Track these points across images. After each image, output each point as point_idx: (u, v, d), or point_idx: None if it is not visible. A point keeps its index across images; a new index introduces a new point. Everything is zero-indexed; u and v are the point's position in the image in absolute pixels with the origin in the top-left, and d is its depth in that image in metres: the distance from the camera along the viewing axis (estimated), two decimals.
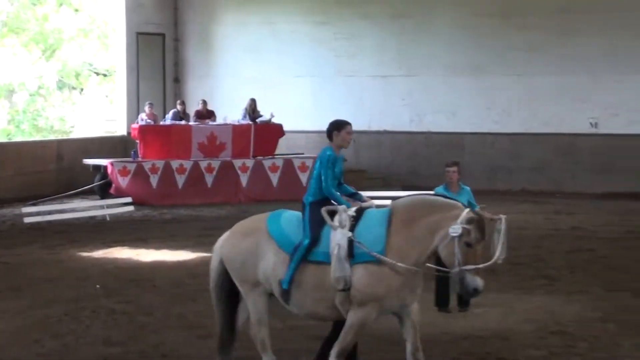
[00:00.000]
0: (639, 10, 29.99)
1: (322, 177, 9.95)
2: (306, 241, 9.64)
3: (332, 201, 9.91)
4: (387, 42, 33.30)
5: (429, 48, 32.72)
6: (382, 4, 33.24)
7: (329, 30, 33.84)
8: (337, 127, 10.25)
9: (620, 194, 29.18)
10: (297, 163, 29.29)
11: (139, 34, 34.22)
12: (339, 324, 9.88)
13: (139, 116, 29.86)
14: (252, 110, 30.01)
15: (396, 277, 9.45)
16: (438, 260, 9.66)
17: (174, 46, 35.77)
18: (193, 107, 31.27)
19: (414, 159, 32.33)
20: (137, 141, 28.83)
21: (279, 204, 26.73)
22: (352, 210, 9.78)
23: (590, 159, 30.65)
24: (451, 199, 10.05)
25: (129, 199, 26.19)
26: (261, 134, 29.63)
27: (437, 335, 11.92)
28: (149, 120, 29.10)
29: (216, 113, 30.44)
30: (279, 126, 30.17)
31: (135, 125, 29.20)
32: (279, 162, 29.24)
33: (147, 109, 29.47)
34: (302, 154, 30.79)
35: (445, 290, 12.99)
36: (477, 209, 9.85)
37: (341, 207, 9.76)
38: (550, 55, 31.09)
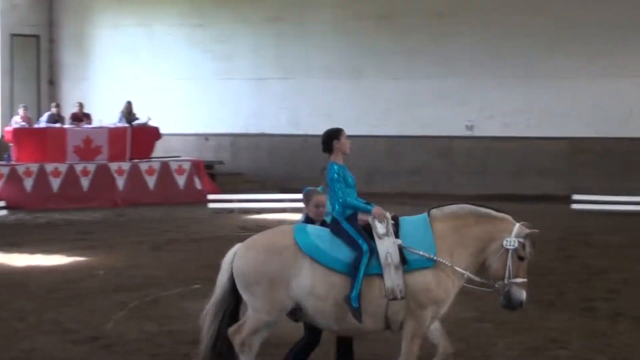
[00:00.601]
0: (515, 13, 30.53)
1: (337, 193, 9.53)
2: (366, 254, 9.20)
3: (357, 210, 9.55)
4: (264, 45, 33.26)
5: (306, 51, 32.78)
6: (259, 7, 33.17)
7: (206, 33, 33.65)
8: (335, 135, 9.88)
9: (495, 196, 29.62)
10: (174, 166, 29.05)
11: (13, 35, 33.53)
12: (312, 330, 9.78)
13: (13, 119, 29.24)
14: (129, 113, 29.68)
15: (451, 282, 9.38)
16: None
17: (49, 48, 35.14)
18: (68, 110, 30.72)
19: (291, 162, 32.34)
20: (11, 144, 28.21)
21: (156, 207, 26.74)
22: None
23: (467, 161, 31.12)
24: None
25: (1, 203, 25.63)
26: (138, 137, 29.30)
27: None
28: (23, 123, 28.48)
29: (92, 116, 29.97)
30: (156, 129, 29.87)
31: (9, 129, 28.58)
32: (156, 166, 28.94)
33: (21, 111, 28.85)
34: (180, 156, 30.60)
35: None
36: (523, 224, 9.57)
37: (387, 215, 9.53)
38: (428, 59, 31.46)
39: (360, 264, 9.13)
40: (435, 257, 9.27)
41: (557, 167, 30.29)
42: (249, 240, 9.71)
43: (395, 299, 9.20)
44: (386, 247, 9.27)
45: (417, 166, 31.52)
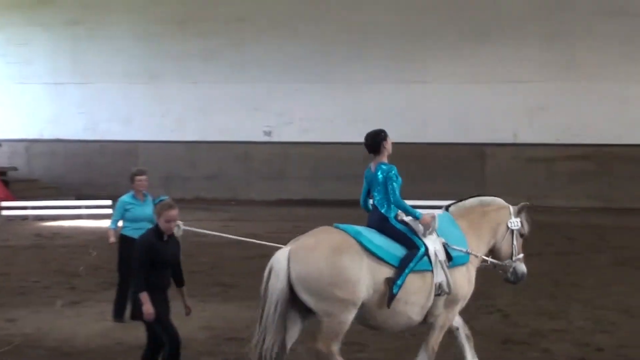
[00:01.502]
0: (312, 21, 30.92)
1: (393, 192, 9.79)
2: (422, 249, 9.55)
3: (405, 211, 9.81)
4: (61, 49, 32.55)
5: (104, 55, 32.28)
6: (55, 10, 32.43)
7: (0, 36, 32.63)
8: (384, 137, 10.16)
9: (293, 201, 29.96)
10: None
11: None
12: (154, 334, 9.58)
13: None
14: None
15: (474, 276, 10.01)
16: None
17: None
18: None
19: (88, 168, 31.75)
20: None
21: None
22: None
23: (265, 166, 31.24)
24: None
25: None
26: None
27: (111, 346, 11.67)
28: None
29: None
30: None
31: None
32: None
33: None
34: None
35: (122, 301, 12.84)
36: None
37: (431, 213, 9.93)
38: (225, 64, 31.48)
39: (413, 259, 9.49)
40: (472, 253, 9.92)
41: (355, 172, 30.69)
42: (302, 244, 9.53)
43: (440, 294, 9.66)
44: (433, 244, 9.70)
45: (215, 171, 31.47)
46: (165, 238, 9.58)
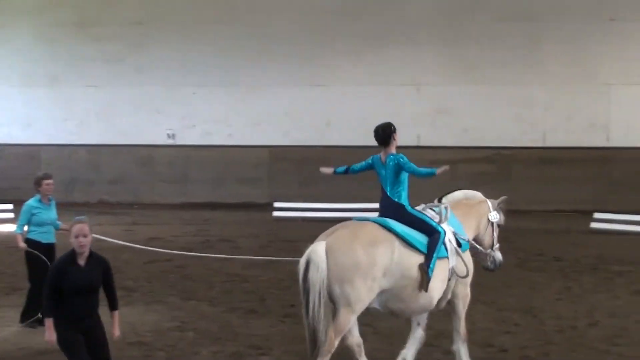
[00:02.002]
0: (213, 23, 30.84)
1: (405, 165, 10.62)
2: (443, 234, 10.30)
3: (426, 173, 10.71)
4: None
5: (4, 57, 31.75)
6: None
7: None
8: (394, 130, 10.88)
9: (197, 204, 29.84)
10: None
11: None
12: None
13: None
14: None
15: None
16: None
17: None
18: None
19: None
20: None
21: None
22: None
23: (168, 169, 31.05)
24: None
25: None
26: None
27: (13, 351, 11.47)
28: None
29: None
30: None
31: None
32: None
33: None
34: None
35: (31, 305, 12.69)
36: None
37: (442, 205, 10.83)
38: (127, 67, 31.20)
39: (439, 243, 10.21)
40: (472, 242, 10.89)
41: (257, 175, 30.78)
42: (337, 236, 10.05)
43: (451, 278, 10.46)
44: (447, 231, 10.47)
45: (118, 175, 31.17)
46: (82, 262, 9.13)
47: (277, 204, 27.63)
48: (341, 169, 11.65)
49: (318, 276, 9.80)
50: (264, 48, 30.82)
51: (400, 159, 10.66)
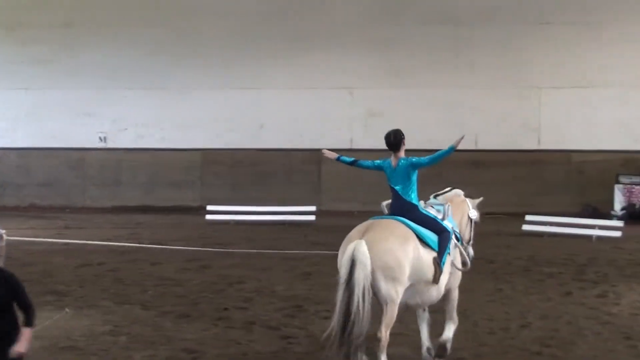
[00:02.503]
0: (143, 27, 30.71)
1: (418, 160, 11.42)
2: (451, 233, 11.20)
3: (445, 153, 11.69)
4: None
5: None
6: None
7: None
8: (403, 135, 11.55)
9: (129, 207, 29.68)
10: None
11: None
12: None
13: None
14: None
15: None
16: None
17: None
18: None
19: None
20: None
21: None
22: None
23: (100, 172, 30.82)
24: None
25: None
26: None
27: None
28: None
29: None
30: None
31: None
32: None
33: None
34: None
35: None
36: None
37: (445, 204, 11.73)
38: (57, 69, 30.93)
39: (449, 241, 11.07)
40: (463, 237, 11.81)
41: (189, 178, 30.67)
42: (376, 236, 10.44)
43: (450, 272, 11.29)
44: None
45: (48, 178, 30.85)
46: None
47: (209, 207, 27.56)
48: (347, 159, 12.09)
49: (364, 274, 10.25)
50: (195, 51, 30.74)
51: (413, 160, 11.41)
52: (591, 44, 30.07)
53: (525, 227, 24.57)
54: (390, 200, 11.50)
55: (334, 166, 30.34)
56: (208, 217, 26.92)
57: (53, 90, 31.06)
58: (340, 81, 30.54)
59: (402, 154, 11.50)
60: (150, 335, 12.45)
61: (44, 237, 21.95)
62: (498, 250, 21.28)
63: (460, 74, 30.27)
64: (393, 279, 10.40)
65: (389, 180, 11.50)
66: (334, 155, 12.13)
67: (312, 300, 15.12)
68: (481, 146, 29.84)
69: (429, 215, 11.26)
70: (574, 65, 30.05)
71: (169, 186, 30.62)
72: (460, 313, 13.91)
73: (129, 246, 21.57)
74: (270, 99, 30.64)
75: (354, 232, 10.73)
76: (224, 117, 30.71)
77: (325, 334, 10.36)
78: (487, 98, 30.23)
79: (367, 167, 11.96)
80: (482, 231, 24.81)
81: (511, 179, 29.32)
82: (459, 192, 12.34)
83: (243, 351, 11.73)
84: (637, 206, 28.18)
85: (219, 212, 27.12)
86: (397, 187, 11.43)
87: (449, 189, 12.38)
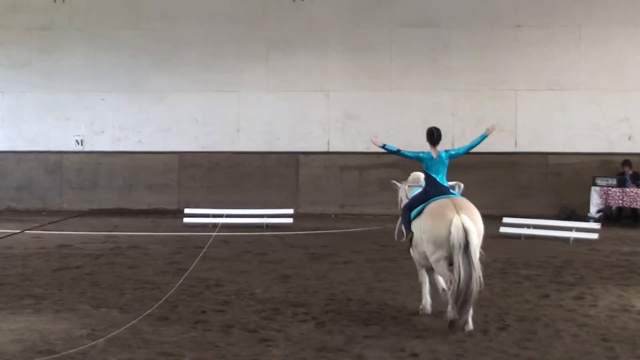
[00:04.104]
0: (120, 29, 30.66)
1: (465, 148, 14.60)
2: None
3: (479, 140, 14.84)
4: None
5: None
6: None
7: None
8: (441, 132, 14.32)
9: (105, 210, 29.66)
10: None
11: None
12: None
13: None
14: None
15: None
16: None
17: None
18: None
19: None
20: None
21: None
22: None
23: (77, 176, 30.76)
24: None
25: None
26: None
27: None
28: None
29: None
30: None
31: None
32: None
33: None
34: None
35: None
36: None
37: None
38: (33, 72, 30.86)
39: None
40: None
41: (166, 181, 30.65)
42: (465, 211, 13.19)
43: None
44: None
45: (25, 182, 30.78)
46: None
47: (187, 210, 27.55)
48: (392, 147, 14.53)
49: (477, 241, 12.97)
50: (171, 54, 30.74)
51: (452, 151, 14.18)
52: (567, 47, 30.22)
53: (503, 229, 24.64)
54: (415, 185, 14.79)
55: (311, 169, 30.52)
56: (185, 219, 26.91)
57: (30, 94, 30.97)
58: (318, 83, 30.58)
59: (440, 147, 13.99)
60: (127, 339, 12.42)
61: (20, 241, 21.91)
62: None
63: (437, 77, 30.37)
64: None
65: (429, 169, 13.88)
66: (379, 142, 14.76)
67: (290, 302, 15.13)
68: None
69: (458, 195, 13.94)
70: (550, 68, 30.19)
71: (146, 189, 30.60)
72: (438, 315, 13.99)
73: (107, 250, 21.54)
74: (247, 102, 30.64)
75: (443, 209, 13.23)
76: (200, 119, 30.70)
77: (452, 296, 12.85)
78: (464, 100, 30.33)
79: (409, 157, 14.15)
80: None
81: (488, 182, 29.41)
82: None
83: (221, 354, 11.72)
84: (613, 208, 28.35)
85: (196, 215, 27.12)
86: (437, 176, 13.87)
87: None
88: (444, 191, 13.66)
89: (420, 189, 14.24)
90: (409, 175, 15.47)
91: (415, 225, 13.78)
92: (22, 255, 20.27)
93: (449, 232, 12.84)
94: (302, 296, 15.74)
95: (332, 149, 30.23)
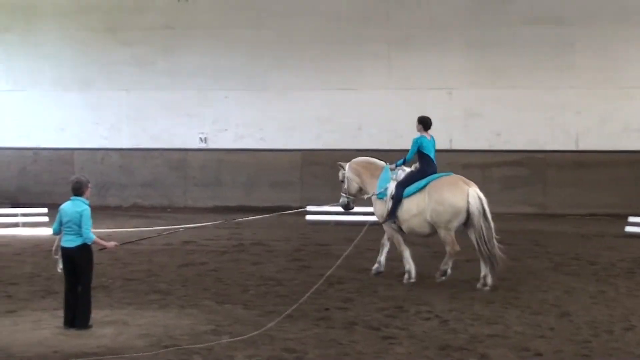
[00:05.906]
0: (244, 27, 30.95)
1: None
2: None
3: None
4: None
5: (35, 62, 31.99)
6: None
7: None
8: None
9: (229, 207, 29.92)
10: None
11: None
12: None
13: None
14: None
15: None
16: None
17: None
18: None
19: (22, 176, 31.47)
20: None
21: None
22: None
23: (200, 173, 31.16)
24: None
25: None
26: None
27: (48, 355, 11.54)
28: None
29: None
30: None
31: None
32: None
33: None
34: None
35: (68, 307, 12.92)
36: None
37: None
38: (158, 71, 31.37)
39: None
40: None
41: (289, 178, 30.83)
42: (474, 185, 16.21)
43: None
44: None
45: (150, 179, 31.33)
46: None
47: (309, 208, 27.65)
48: (400, 161, 17.14)
49: (488, 208, 15.89)
50: (295, 52, 30.91)
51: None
52: None
53: (628, 228, 24.16)
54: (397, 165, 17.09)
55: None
56: (308, 217, 27.00)
57: (154, 92, 31.51)
58: (440, 81, 30.40)
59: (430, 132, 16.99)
60: (252, 335, 12.55)
61: (148, 237, 22.30)
62: (600, 252, 20.99)
63: (561, 75, 29.88)
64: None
65: (427, 150, 16.76)
66: (393, 166, 17.31)
67: (413, 301, 15.10)
68: (582, 147, 29.44)
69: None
70: None
71: (269, 187, 30.82)
72: (562, 315, 13.83)
73: (230, 246, 21.82)
74: (369, 100, 30.65)
75: (458, 183, 16.27)
76: (323, 117, 30.80)
77: (495, 256, 15.81)
78: (588, 98, 29.78)
79: (415, 150, 17.01)
80: (583, 233, 24.57)
81: (613, 180, 28.85)
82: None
83: (345, 351, 11.77)
84: None
85: (319, 213, 27.17)
86: (431, 154, 16.78)
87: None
88: (432, 170, 16.64)
89: (389, 171, 17.06)
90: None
91: (414, 201, 16.36)
92: (148, 251, 20.65)
93: (468, 202, 15.85)
94: (424, 294, 15.70)
95: (454, 147, 30.02)
